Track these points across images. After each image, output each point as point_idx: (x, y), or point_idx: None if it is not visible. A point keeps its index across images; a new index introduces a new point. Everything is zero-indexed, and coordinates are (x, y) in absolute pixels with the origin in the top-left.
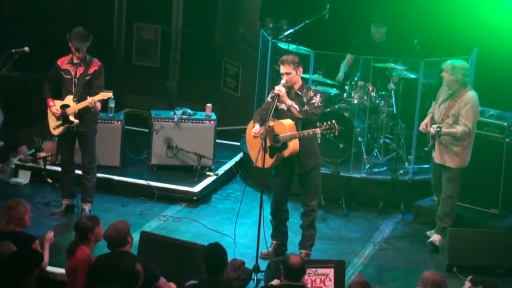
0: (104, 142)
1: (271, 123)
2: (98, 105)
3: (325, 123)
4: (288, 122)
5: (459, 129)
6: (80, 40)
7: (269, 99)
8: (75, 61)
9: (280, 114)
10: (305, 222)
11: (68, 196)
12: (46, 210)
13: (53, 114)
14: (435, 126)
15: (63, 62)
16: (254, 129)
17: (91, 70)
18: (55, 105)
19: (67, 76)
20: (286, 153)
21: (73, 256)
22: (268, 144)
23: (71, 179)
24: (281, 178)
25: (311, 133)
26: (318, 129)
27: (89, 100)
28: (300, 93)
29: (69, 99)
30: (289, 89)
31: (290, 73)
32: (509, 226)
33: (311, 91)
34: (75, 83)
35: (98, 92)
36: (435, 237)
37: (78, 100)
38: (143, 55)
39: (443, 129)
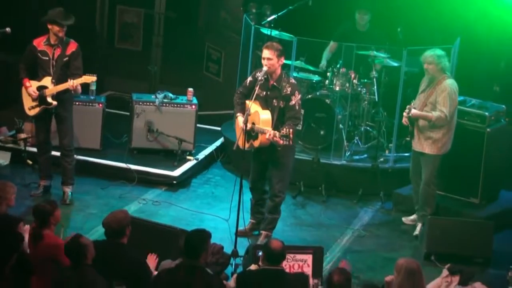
0: (85, 125)
1: (252, 108)
2: (79, 88)
3: (284, 129)
4: (264, 117)
5: (434, 114)
6: (64, 19)
7: (250, 78)
8: (52, 42)
9: (260, 100)
10: (268, 206)
11: (45, 177)
12: (26, 192)
13: (30, 95)
14: (407, 109)
15: (39, 43)
16: (238, 121)
17: (68, 51)
18: (31, 86)
19: (44, 58)
20: (256, 143)
21: (43, 243)
22: (249, 126)
23: (47, 160)
24: (257, 160)
25: (272, 134)
26: (277, 132)
27: (70, 83)
28: (277, 85)
29: (47, 80)
30: (266, 78)
31: (272, 59)
32: (489, 216)
33: (289, 86)
34: (53, 64)
35: (77, 73)
36: (418, 228)
37: (57, 81)
38: (126, 38)
39: (416, 111)
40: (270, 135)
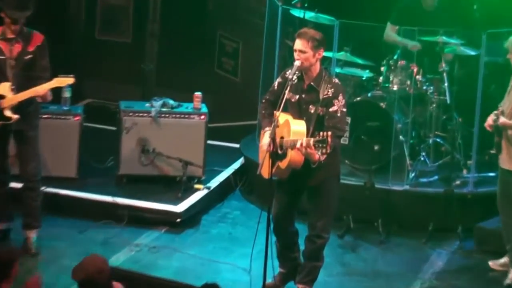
0: (55, 145)
1: (281, 118)
2: (48, 95)
3: (321, 133)
4: (296, 128)
5: None
6: (17, 9)
7: (279, 79)
8: (8, 35)
9: (292, 107)
10: (307, 250)
11: (3, 218)
12: None
13: None
14: (492, 115)
15: None
16: (263, 138)
17: (32, 47)
18: None
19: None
20: (283, 164)
21: None
22: (277, 142)
23: (5, 195)
24: (283, 193)
25: (304, 142)
26: (312, 139)
27: (38, 88)
28: (315, 85)
29: (4, 88)
30: (299, 77)
31: (306, 52)
32: None
33: (330, 86)
34: (12, 65)
35: (44, 76)
36: (511, 275)
37: (17, 88)
38: (110, 28)
39: (505, 120)
40: (301, 144)
